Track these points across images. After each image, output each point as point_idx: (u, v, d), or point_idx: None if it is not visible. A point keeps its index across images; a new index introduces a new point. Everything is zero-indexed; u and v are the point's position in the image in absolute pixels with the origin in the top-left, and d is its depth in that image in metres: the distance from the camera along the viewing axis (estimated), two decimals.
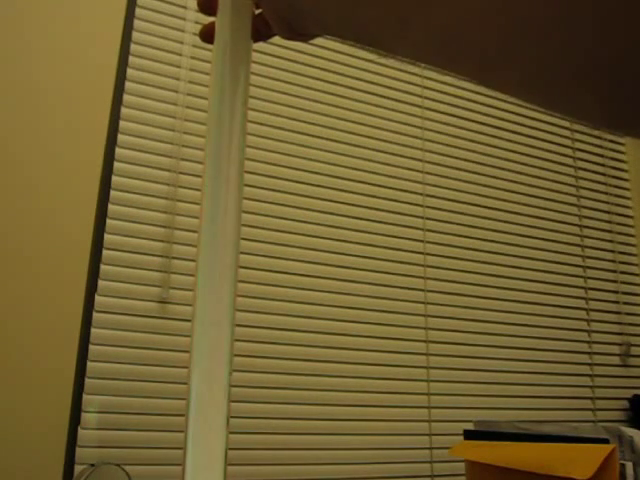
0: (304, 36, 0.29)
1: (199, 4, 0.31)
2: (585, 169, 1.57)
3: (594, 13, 0.15)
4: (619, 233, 1.57)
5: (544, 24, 0.16)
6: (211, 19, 0.31)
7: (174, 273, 1.05)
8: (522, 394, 1.31)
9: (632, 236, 1.59)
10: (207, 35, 0.31)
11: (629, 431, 0.80)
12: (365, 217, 1.25)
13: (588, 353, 1.43)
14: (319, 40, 0.30)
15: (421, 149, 1.35)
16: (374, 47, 0.23)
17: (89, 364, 0.96)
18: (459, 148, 1.40)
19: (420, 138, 1.36)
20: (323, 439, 1.11)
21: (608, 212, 1.57)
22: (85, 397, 0.95)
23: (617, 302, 1.50)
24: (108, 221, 1.02)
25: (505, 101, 1.48)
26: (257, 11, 0.30)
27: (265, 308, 1.11)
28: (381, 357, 1.19)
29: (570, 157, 1.55)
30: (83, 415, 0.94)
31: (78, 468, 0.91)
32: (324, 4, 0.23)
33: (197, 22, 1.16)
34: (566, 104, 0.19)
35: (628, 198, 1.62)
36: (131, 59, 1.10)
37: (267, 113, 1.20)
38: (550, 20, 0.16)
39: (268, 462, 1.05)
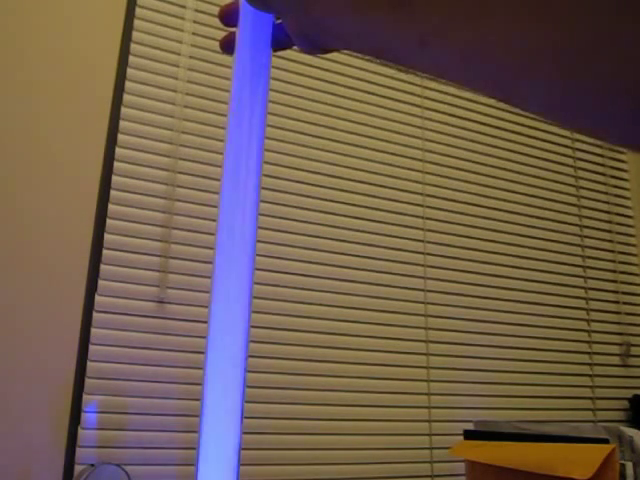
0: (325, 51, 0.29)
1: (220, 15, 0.31)
2: (585, 169, 1.57)
3: (614, 37, 0.15)
4: (619, 233, 1.57)
5: (567, 48, 0.16)
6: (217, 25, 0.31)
7: (171, 273, 1.05)
8: (522, 394, 1.31)
9: (632, 236, 1.59)
10: (227, 45, 0.31)
11: (629, 431, 0.80)
12: (365, 217, 1.25)
13: (588, 353, 1.43)
14: None
15: (421, 149, 1.35)
16: (395, 63, 0.24)
17: (89, 364, 0.96)
18: (459, 148, 1.40)
19: (420, 138, 1.36)
20: (323, 439, 1.11)
21: (608, 212, 1.56)
22: (85, 397, 0.95)
23: (617, 302, 1.50)
24: (108, 221, 1.02)
25: None
26: (277, 21, 0.31)
27: (265, 308, 1.11)
28: (381, 357, 1.19)
29: (570, 157, 1.55)
30: (83, 415, 0.94)
31: (78, 468, 0.91)
32: (345, 21, 0.24)
33: (195, 22, 1.15)
34: (587, 124, 0.20)
35: (628, 198, 1.62)
36: (131, 59, 1.10)
37: (267, 113, 1.20)
38: (574, 44, 0.16)
39: (267, 462, 1.05)
